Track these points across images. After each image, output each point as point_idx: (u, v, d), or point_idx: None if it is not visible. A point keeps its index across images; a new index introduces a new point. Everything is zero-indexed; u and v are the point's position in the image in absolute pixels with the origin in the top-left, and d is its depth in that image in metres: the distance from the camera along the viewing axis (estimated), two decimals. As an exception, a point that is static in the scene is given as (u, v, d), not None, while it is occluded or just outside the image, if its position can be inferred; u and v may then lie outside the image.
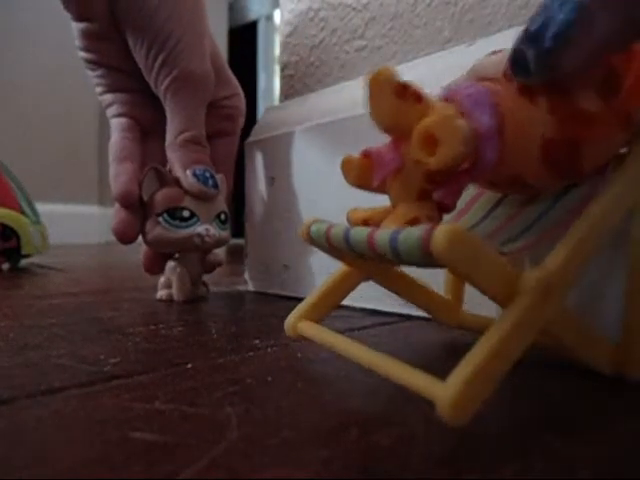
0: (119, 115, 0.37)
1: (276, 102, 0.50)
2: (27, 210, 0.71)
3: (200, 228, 0.34)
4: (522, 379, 0.18)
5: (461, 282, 0.25)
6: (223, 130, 0.40)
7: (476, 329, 0.24)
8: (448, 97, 0.16)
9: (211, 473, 0.11)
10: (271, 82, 2.25)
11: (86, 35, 0.35)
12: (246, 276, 0.45)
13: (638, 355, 0.18)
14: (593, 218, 0.16)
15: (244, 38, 2.37)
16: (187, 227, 0.34)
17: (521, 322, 0.14)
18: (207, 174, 0.34)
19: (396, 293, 0.23)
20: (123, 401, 0.16)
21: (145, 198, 0.34)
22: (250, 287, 0.44)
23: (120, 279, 0.53)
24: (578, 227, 0.16)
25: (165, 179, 0.34)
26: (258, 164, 0.44)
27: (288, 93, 0.44)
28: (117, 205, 0.35)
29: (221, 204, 0.36)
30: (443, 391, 0.12)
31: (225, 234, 0.36)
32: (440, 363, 0.22)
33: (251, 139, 0.45)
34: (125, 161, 0.35)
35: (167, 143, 0.35)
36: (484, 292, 0.14)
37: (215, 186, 0.35)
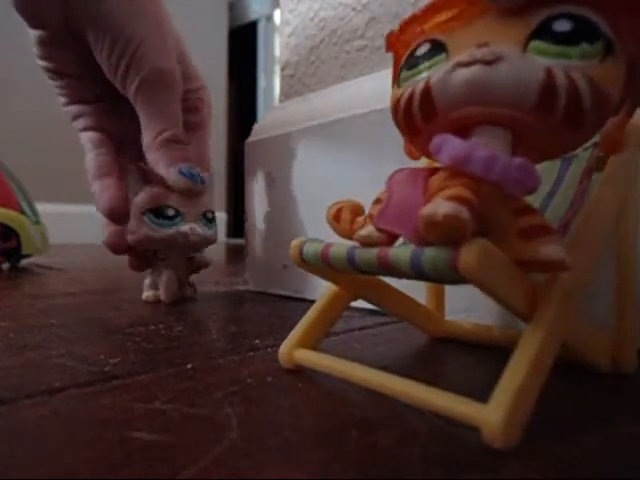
0: (88, 129, 0.36)
1: (276, 102, 0.50)
2: (27, 210, 0.71)
3: (185, 227, 0.33)
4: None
5: (442, 292, 0.26)
6: (188, 123, 0.38)
7: (462, 336, 0.25)
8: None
9: (211, 473, 0.11)
10: (271, 82, 2.25)
11: (43, 43, 0.34)
12: (246, 276, 0.45)
13: (630, 350, 0.19)
14: (593, 221, 0.17)
15: (244, 38, 2.37)
16: (171, 226, 0.33)
17: (552, 331, 0.14)
18: (193, 171, 0.33)
19: (386, 310, 0.23)
20: (123, 401, 0.16)
21: (131, 197, 0.34)
22: (250, 287, 0.44)
23: (120, 279, 0.53)
24: (583, 230, 0.16)
25: (149, 177, 0.34)
26: (258, 164, 0.44)
27: (288, 93, 0.44)
28: (105, 219, 0.34)
29: (207, 203, 0.36)
30: (491, 417, 0.12)
31: (211, 233, 0.36)
32: (443, 362, 0.22)
33: (251, 139, 0.45)
34: (106, 177, 0.35)
35: (145, 145, 0.33)
36: (507, 307, 0.14)
37: (203, 182, 0.34)
